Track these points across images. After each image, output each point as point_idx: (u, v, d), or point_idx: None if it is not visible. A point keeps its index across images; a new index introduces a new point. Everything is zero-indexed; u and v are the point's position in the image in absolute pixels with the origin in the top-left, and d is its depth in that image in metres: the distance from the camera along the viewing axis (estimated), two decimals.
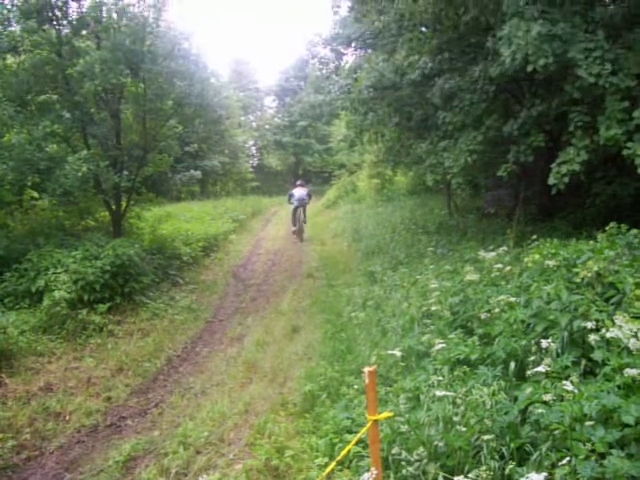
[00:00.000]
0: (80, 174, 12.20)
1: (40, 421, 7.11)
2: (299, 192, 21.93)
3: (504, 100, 11.95)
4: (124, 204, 14.90)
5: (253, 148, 54.45)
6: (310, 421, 6.11)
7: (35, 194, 14.34)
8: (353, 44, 17.58)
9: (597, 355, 4.49)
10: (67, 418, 7.30)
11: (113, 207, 14.60)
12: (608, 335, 4.42)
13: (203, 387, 8.21)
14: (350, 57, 19.08)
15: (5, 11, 12.57)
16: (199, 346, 10.50)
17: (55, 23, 13.10)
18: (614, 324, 4.52)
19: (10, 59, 13.27)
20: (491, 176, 13.73)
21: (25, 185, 13.39)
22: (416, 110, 13.56)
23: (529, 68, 8.49)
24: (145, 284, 12.42)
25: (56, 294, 10.23)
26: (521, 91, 11.85)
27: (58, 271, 10.99)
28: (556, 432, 3.78)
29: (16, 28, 12.81)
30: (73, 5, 13.23)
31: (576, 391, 3.93)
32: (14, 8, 12.51)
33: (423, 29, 12.12)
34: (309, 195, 22.55)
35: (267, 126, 55.28)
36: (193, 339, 10.88)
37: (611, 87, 8.06)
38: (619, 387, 4.04)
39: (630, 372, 3.93)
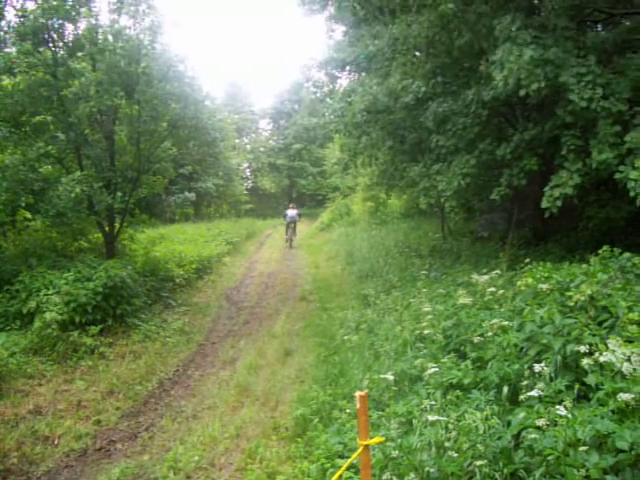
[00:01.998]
0: (73, 195, 12.18)
1: (28, 445, 7.02)
2: (291, 212, 28.34)
3: (497, 124, 12.00)
4: (117, 226, 14.85)
5: (247, 170, 54.70)
6: (302, 446, 6.06)
7: (28, 215, 14.30)
8: (347, 68, 17.67)
9: (591, 379, 4.46)
10: (56, 442, 7.21)
11: (106, 228, 14.55)
12: (601, 359, 4.40)
13: (194, 410, 8.14)
14: (344, 80, 19.14)
15: (2, 33, 12.62)
16: (191, 369, 10.43)
17: (51, 45, 13.15)
18: (607, 348, 4.51)
19: (6, 80, 13.29)
20: (484, 199, 13.74)
21: (18, 206, 13.34)
22: (410, 133, 13.63)
23: (522, 92, 8.55)
24: (137, 306, 12.35)
25: (47, 315, 10.15)
26: (514, 115, 11.92)
27: (50, 292, 10.91)
28: (550, 457, 3.74)
29: (12, 50, 12.84)
30: (69, 27, 13.28)
31: (570, 416, 3.90)
32: (11, 30, 12.55)
33: (417, 53, 12.18)
34: (299, 215, 29.40)
35: (261, 149, 55.50)
36: (185, 362, 10.80)
37: (603, 111, 8.12)
38: (613, 412, 4.01)
39: (624, 397, 3.90)
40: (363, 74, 16.56)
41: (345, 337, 9.69)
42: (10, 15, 12.71)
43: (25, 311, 10.64)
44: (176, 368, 10.42)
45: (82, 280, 11.39)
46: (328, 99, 18.86)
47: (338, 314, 11.98)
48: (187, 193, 33.82)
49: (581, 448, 3.65)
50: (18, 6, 12.66)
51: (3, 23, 12.61)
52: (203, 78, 41.46)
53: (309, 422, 6.57)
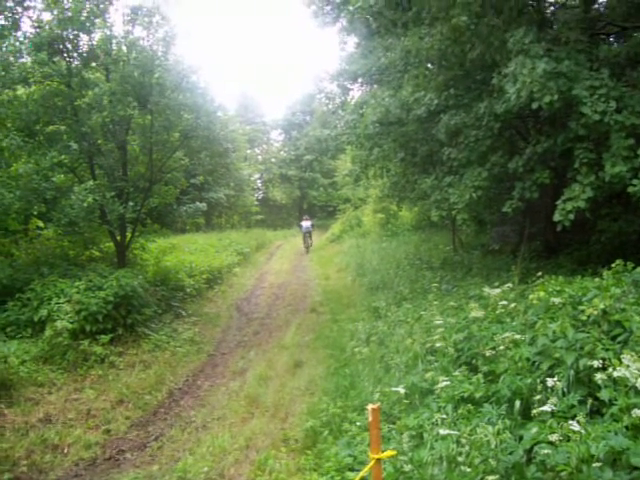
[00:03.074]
0: (86, 204, 12.24)
1: (38, 453, 7.02)
2: (306, 223, 31.52)
3: (509, 137, 11.99)
4: (129, 235, 14.90)
5: (258, 181, 54.79)
6: (312, 458, 6.03)
7: (41, 223, 14.40)
8: (359, 80, 17.77)
9: (604, 394, 4.42)
10: (65, 450, 7.21)
11: (118, 238, 14.60)
12: (615, 374, 4.37)
13: (204, 421, 8.12)
14: (356, 92, 19.25)
15: (17, 43, 12.75)
16: (201, 379, 10.41)
17: (66, 55, 13.27)
18: (621, 363, 4.47)
19: (20, 90, 13.41)
20: (496, 212, 13.71)
21: (31, 214, 13.45)
22: (421, 146, 13.62)
23: (534, 105, 8.53)
24: (148, 315, 12.37)
25: (58, 324, 10.18)
26: (526, 128, 11.91)
27: (61, 301, 10.94)
28: (562, 473, 3.71)
29: (27, 60, 12.97)
30: (84, 38, 13.39)
31: (583, 431, 3.86)
32: (26, 40, 12.68)
33: (429, 65, 12.22)
34: (313, 225, 32.56)
35: (273, 159, 55.63)
36: (195, 372, 10.79)
37: (616, 124, 8.09)
38: (627, 428, 3.97)
39: (638, 412, 3.87)
40: (375, 86, 16.64)
41: (355, 349, 9.65)
42: (26, 26, 12.88)
43: (36, 319, 10.67)
44: (186, 378, 10.41)
45: (93, 289, 11.42)
46: (340, 111, 18.94)
47: (348, 326, 11.93)
48: (198, 203, 33.71)
49: (595, 464, 3.62)
50: (34, 17, 12.81)
51: (19, 33, 12.76)
52: (216, 89, 41.66)
53: (319, 434, 6.54)
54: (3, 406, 8.00)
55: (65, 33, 12.88)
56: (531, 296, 7.09)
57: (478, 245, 16.80)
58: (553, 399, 4.55)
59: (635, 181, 7.94)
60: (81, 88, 13.25)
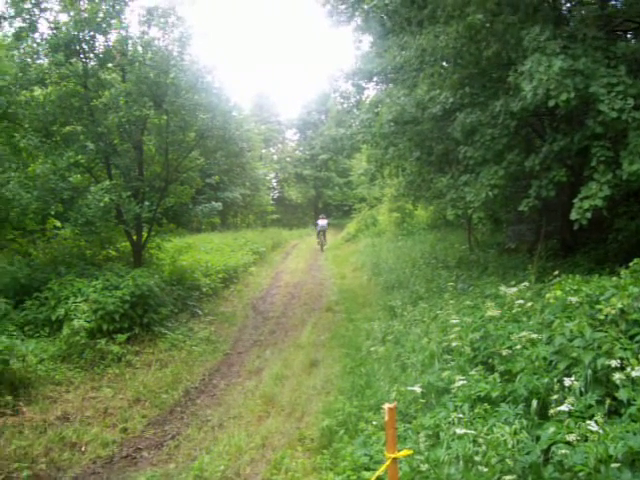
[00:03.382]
0: (102, 204, 12.32)
1: (56, 451, 7.08)
2: (322, 222, 32.46)
3: (525, 135, 11.90)
4: (145, 235, 14.98)
5: (274, 181, 54.82)
6: (327, 457, 6.03)
7: (58, 223, 14.49)
8: (374, 79, 17.72)
9: (622, 394, 4.39)
10: (83, 448, 7.27)
11: (134, 237, 14.69)
12: (633, 374, 4.34)
13: (220, 420, 8.15)
14: (371, 91, 19.18)
15: (35, 45, 12.87)
16: (217, 378, 10.45)
17: (82, 56, 13.36)
18: (639, 363, 4.43)
19: (37, 91, 13.52)
20: (512, 211, 13.62)
21: (48, 214, 13.55)
22: (437, 144, 13.56)
23: (551, 103, 8.46)
24: (164, 315, 12.44)
25: (75, 323, 10.26)
26: (542, 126, 11.82)
27: (78, 300, 11.03)
28: (580, 474, 3.68)
29: (44, 61, 13.10)
30: (100, 39, 13.48)
31: (601, 431, 3.84)
32: (43, 42, 12.80)
33: (444, 64, 12.16)
34: (328, 224, 34.02)
35: (288, 159, 55.68)
36: (211, 371, 10.83)
37: (634, 122, 8.01)
38: None
39: None
40: (390, 85, 16.56)
41: (371, 348, 9.63)
42: (43, 27, 12.99)
43: (54, 318, 10.77)
44: (202, 377, 10.45)
45: (110, 288, 11.50)
46: (355, 110, 18.89)
47: (364, 325, 11.91)
48: (214, 203, 33.78)
49: (613, 465, 3.59)
50: (51, 19, 12.92)
51: (36, 35, 12.89)
52: (231, 88, 41.66)
53: (335, 433, 6.54)
54: (22, 404, 8.08)
55: (82, 34, 12.97)
56: (548, 295, 7.03)
57: (494, 244, 16.71)
58: (570, 399, 4.53)
59: None
60: (97, 89, 13.36)
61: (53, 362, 9.62)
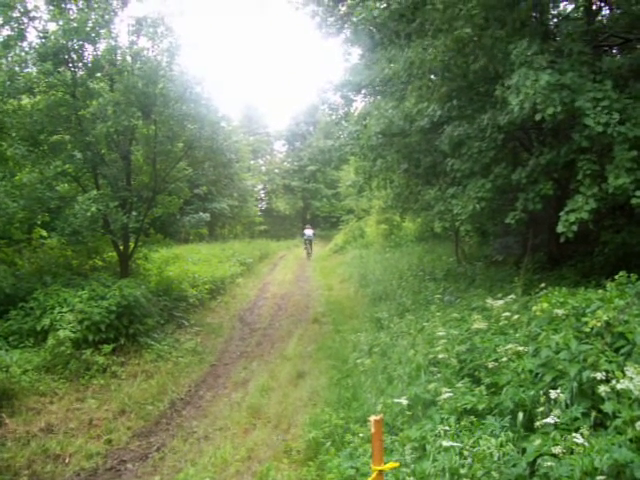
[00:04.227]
0: (89, 214, 12.24)
1: (39, 463, 7.02)
2: (308, 232, 33.63)
3: (512, 148, 11.98)
4: (132, 245, 14.91)
5: (262, 192, 54.95)
6: (314, 469, 6.01)
7: (44, 233, 14.41)
8: (363, 91, 17.77)
9: (607, 407, 4.40)
10: (67, 460, 7.20)
11: (121, 247, 14.61)
12: (619, 386, 4.35)
13: (206, 432, 8.10)
14: (360, 103, 19.28)
15: (23, 53, 12.81)
16: (203, 390, 10.39)
17: (71, 65, 13.30)
18: (625, 375, 4.45)
19: (25, 100, 13.46)
20: (499, 223, 13.67)
21: (35, 223, 13.48)
22: (425, 157, 13.62)
23: (537, 117, 8.55)
24: (150, 325, 12.36)
25: (61, 333, 10.17)
26: (529, 139, 11.90)
27: (64, 310, 10.94)
28: None
29: (33, 69, 13.03)
30: (89, 48, 13.43)
31: (586, 444, 3.84)
32: (32, 50, 12.75)
33: (432, 77, 12.22)
34: (314, 234, 34.88)
35: (276, 170, 55.78)
36: (197, 382, 10.77)
37: (619, 136, 8.08)
38: (631, 440, 3.95)
39: None
40: (379, 97, 16.64)
41: (358, 360, 9.63)
42: (32, 36, 12.93)
43: (39, 328, 10.67)
44: (188, 388, 10.40)
45: (96, 298, 11.42)
46: (344, 122, 18.96)
47: (351, 337, 11.91)
48: (202, 213, 33.93)
49: (598, 477, 3.60)
50: (40, 27, 12.87)
51: (25, 44, 12.82)
52: (219, 99, 41.69)
53: (321, 445, 6.52)
54: (5, 416, 7.99)
55: (70, 43, 12.92)
56: (534, 307, 7.05)
57: (481, 256, 16.77)
58: (556, 411, 4.54)
59: (638, 193, 7.91)
60: (85, 98, 13.29)
61: (37, 373, 9.51)
